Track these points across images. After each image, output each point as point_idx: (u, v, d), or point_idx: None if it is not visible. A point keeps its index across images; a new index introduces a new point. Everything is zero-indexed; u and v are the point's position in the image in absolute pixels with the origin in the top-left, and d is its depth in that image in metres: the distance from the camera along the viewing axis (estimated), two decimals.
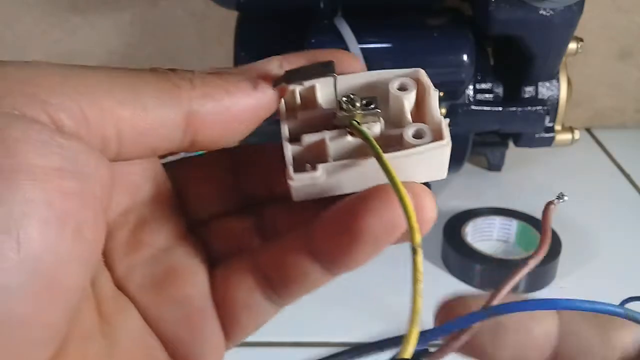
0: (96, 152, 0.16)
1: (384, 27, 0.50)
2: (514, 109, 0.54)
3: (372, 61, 0.47)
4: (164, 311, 0.19)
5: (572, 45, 0.55)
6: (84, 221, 0.16)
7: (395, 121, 0.20)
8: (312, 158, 0.19)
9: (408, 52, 0.49)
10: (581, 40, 0.55)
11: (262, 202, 0.22)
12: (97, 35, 0.69)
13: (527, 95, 0.55)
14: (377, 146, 0.18)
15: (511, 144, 0.61)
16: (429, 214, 0.18)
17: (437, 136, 0.19)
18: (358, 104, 0.19)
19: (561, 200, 0.20)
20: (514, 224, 0.52)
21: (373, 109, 0.19)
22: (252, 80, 0.19)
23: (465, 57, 0.48)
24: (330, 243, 0.18)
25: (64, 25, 0.68)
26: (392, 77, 0.20)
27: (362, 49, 0.47)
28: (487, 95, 0.55)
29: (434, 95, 0.20)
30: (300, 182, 0.19)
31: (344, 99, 0.19)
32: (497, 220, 0.53)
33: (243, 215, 0.22)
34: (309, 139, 0.19)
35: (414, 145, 0.19)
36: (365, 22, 0.49)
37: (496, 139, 0.62)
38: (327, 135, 0.19)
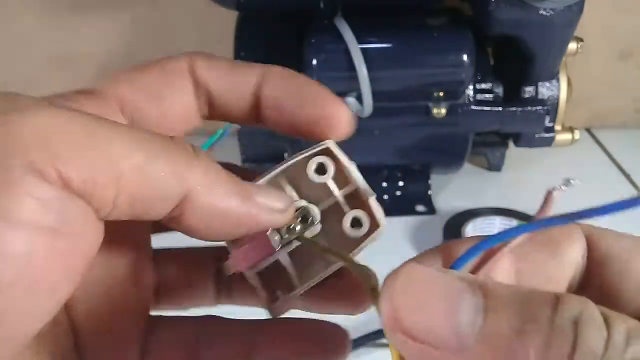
0: (92, 214, 0.17)
1: (384, 26, 0.50)
2: (514, 109, 0.54)
3: (373, 61, 0.47)
4: None
5: (572, 45, 0.55)
6: (59, 282, 0.16)
7: (322, 198, 0.21)
8: (275, 278, 0.21)
9: (408, 51, 0.49)
10: (581, 40, 0.55)
11: None
12: (98, 35, 0.69)
13: (527, 95, 0.55)
14: (336, 252, 0.20)
15: (511, 144, 0.62)
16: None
17: (374, 224, 0.20)
18: (298, 228, 0.20)
19: (566, 187, 0.19)
20: (513, 224, 0.52)
21: (311, 223, 0.21)
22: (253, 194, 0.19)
23: (465, 57, 0.48)
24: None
25: (65, 25, 0.68)
26: (305, 161, 0.21)
27: (362, 48, 0.47)
28: (487, 95, 0.55)
29: (351, 167, 0.20)
30: (280, 312, 0.21)
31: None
32: (497, 220, 0.53)
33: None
34: (266, 262, 0.21)
35: (357, 238, 0.20)
36: (365, 22, 0.49)
37: (496, 139, 0.62)
38: (280, 256, 0.20)
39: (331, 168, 0.20)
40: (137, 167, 0.17)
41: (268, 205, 0.19)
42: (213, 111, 0.22)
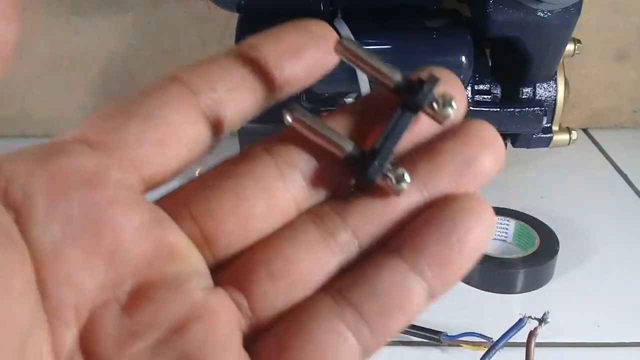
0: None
1: (384, 28, 0.50)
2: (511, 110, 0.55)
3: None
4: None
5: (570, 47, 0.55)
6: None
7: None
8: None
9: (407, 53, 0.50)
10: (579, 41, 0.56)
11: None
12: (99, 36, 0.69)
13: (524, 96, 0.56)
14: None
15: (509, 145, 0.62)
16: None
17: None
18: None
19: (544, 324, 0.21)
20: (511, 224, 0.53)
21: None
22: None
23: (463, 59, 0.49)
24: (438, 261, 0.18)
25: (66, 27, 0.69)
26: None
27: None
28: (485, 96, 0.55)
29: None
30: None
31: None
32: (495, 219, 0.53)
33: None
34: None
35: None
36: (364, 24, 0.49)
37: None
38: None
39: None
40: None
41: None
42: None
